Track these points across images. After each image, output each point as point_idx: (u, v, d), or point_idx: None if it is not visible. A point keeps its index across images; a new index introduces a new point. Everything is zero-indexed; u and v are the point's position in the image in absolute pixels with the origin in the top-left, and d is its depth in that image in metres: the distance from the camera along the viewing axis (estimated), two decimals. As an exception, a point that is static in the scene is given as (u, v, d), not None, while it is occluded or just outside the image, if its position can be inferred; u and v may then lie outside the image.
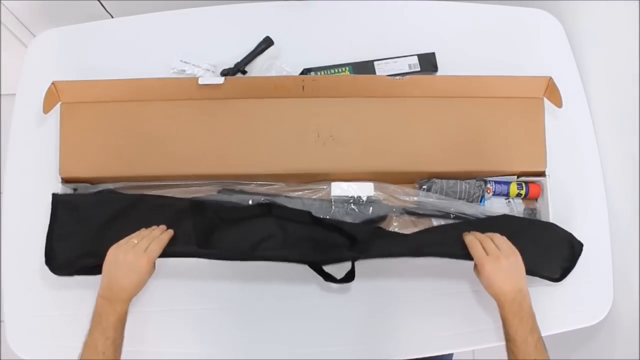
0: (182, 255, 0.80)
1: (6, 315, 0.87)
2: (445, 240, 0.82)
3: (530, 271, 0.79)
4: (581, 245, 0.86)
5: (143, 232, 0.77)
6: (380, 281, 0.90)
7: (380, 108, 0.90)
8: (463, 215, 0.89)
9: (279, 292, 0.89)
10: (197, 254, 0.80)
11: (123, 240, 0.75)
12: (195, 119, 0.88)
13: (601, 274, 0.93)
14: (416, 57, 0.99)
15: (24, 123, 0.96)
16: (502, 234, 0.78)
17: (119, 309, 0.71)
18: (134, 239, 0.75)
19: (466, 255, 0.76)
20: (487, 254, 0.73)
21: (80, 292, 0.87)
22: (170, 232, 0.79)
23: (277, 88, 0.88)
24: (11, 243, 0.90)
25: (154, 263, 0.75)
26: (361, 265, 0.90)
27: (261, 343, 0.87)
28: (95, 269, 0.75)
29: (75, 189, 0.89)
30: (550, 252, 0.85)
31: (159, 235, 0.77)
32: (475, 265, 0.76)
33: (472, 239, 0.76)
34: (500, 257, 0.72)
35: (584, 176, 0.98)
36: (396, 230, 0.90)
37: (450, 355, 1.00)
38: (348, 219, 0.88)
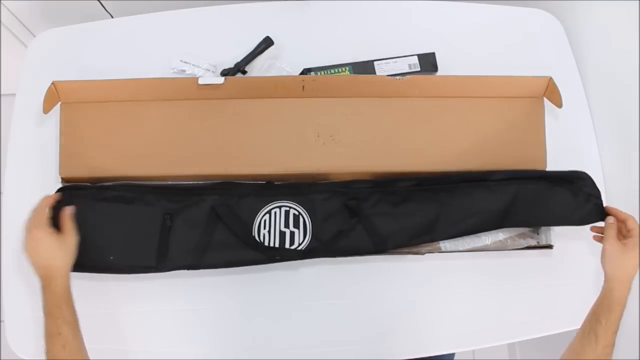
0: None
1: (6, 315, 0.87)
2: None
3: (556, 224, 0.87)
4: (587, 175, 0.86)
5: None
6: (380, 281, 0.90)
7: (380, 108, 0.90)
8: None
9: (277, 292, 0.89)
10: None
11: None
12: (195, 119, 0.88)
13: (601, 274, 0.92)
14: (416, 57, 1.00)
15: (24, 123, 0.95)
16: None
17: (54, 287, 0.71)
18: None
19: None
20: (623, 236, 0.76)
21: (80, 292, 0.87)
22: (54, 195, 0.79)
23: (277, 88, 0.88)
24: (11, 243, 0.90)
25: (61, 228, 0.75)
26: (361, 266, 0.90)
27: (260, 343, 0.87)
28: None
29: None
30: (562, 209, 0.85)
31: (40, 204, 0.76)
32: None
33: (612, 224, 0.78)
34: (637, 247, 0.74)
35: (584, 176, 0.98)
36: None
37: (452, 355, 1.00)
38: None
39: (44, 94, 0.84)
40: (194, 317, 0.88)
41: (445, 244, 0.88)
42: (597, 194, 0.84)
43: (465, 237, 0.88)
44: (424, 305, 0.89)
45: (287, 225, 0.85)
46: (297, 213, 0.85)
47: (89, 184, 0.86)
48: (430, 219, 0.84)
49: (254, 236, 0.83)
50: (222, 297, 0.89)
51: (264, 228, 0.84)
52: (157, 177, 0.88)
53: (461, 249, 0.88)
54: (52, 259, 0.72)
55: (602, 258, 0.77)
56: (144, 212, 0.83)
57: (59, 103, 0.87)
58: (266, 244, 0.83)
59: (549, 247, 0.89)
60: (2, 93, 1.50)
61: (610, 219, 0.79)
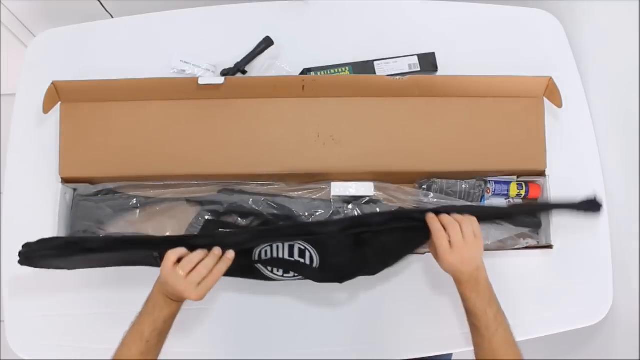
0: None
1: (6, 315, 0.87)
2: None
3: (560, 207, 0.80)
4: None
5: (197, 256, 0.68)
6: (380, 281, 0.90)
7: (380, 108, 0.90)
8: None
9: (275, 292, 0.89)
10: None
11: (185, 258, 0.68)
12: (195, 119, 0.88)
13: (601, 274, 0.93)
14: (416, 57, 0.99)
15: (24, 123, 0.96)
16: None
17: (174, 307, 0.71)
18: (188, 266, 0.67)
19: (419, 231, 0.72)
20: (450, 244, 0.69)
21: (80, 292, 0.87)
22: (229, 257, 0.70)
23: (277, 88, 0.88)
24: (11, 243, 0.90)
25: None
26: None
27: (260, 343, 0.87)
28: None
29: (75, 189, 0.89)
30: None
31: (213, 265, 0.68)
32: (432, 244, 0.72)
33: (438, 228, 0.70)
34: (464, 249, 0.69)
35: (584, 176, 0.98)
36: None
37: (449, 355, 1.00)
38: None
39: (44, 94, 0.84)
40: (193, 318, 0.88)
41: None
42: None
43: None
44: (424, 305, 0.89)
45: (291, 256, 0.77)
46: (302, 248, 0.76)
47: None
48: None
49: (256, 267, 0.77)
50: (221, 297, 0.89)
51: (265, 256, 0.77)
52: (157, 177, 0.88)
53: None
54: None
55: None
56: (132, 253, 0.74)
57: (59, 103, 0.87)
58: (268, 274, 0.78)
59: (549, 247, 0.89)
60: (2, 93, 1.50)
61: (435, 227, 0.71)
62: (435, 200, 0.89)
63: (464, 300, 0.73)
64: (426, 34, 1.04)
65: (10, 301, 0.88)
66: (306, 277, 0.79)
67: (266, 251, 0.76)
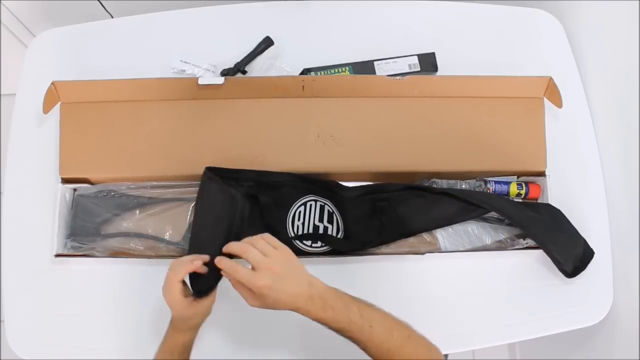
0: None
1: (6, 315, 0.87)
2: None
3: (556, 260, 0.85)
4: (592, 252, 0.88)
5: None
6: (380, 281, 0.90)
7: (380, 108, 0.90)
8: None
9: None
10: None
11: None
12: (195, 119, 0.88)
13: (601, 274, 0.93)
14: (416, 57, 0.99)
15: (24, 123, 0.95)
16: (542, 221, 0.84)
17: (178, 337, 0.69)
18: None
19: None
20: (253, 267, 0.61)
21: (81, 292, 0.87)
22: (197, 258, 0.67)
23: (277, 88, 0.88)
24: (11, 243, 0.90)
25: (210, 293, 0.68)
26: (360, 265, 0.90)
27: (259, 343, 0.87)
28: None
29: (75, 189, 0.89)
30: (573, 247, 0.87)
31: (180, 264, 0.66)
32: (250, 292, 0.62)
33: (230, 265, 0.62)
34: (272, 265, 0.60)
35: (584, 176, 0.98)
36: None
37: (445, 355, 1.00)
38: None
39: (44, 94, 0.84)
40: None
41: (445, 244, 0.88)
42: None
43: (465, 237, 0.88)
44: (424, 305, 0.89)
45: (321, 220, 0.85)
46: (331, 210, 0.86)
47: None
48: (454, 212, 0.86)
49: (286, 228, 0.83)
50: (221, 297, 0.89)
51: (299, 220, 0.84)
52: (156, 177, 0.88)
53: (461, 248, 0.88)
54: (182, 319, 0.69)
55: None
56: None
57: (59, 103, 0.87)
58: (299, 233, 0.83)
59: (549, 247, 0.89)
60: (2, 93, 1.50)
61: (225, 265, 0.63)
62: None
63: (328, 324, 0.62)
64: (426, 34, 1.04)
65: (10, 301, 0.88)
66: (332, 247, 0.84)
67: (300, 212, 0.85)
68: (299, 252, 0.83)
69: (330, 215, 0.86)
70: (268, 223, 0.83)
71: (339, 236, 0.85)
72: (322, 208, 0.86)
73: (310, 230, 0.84)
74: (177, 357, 0.70)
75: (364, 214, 0.86)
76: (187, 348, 0.72)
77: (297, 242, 0.84)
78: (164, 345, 0.70)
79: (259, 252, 0.61)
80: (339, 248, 0.84)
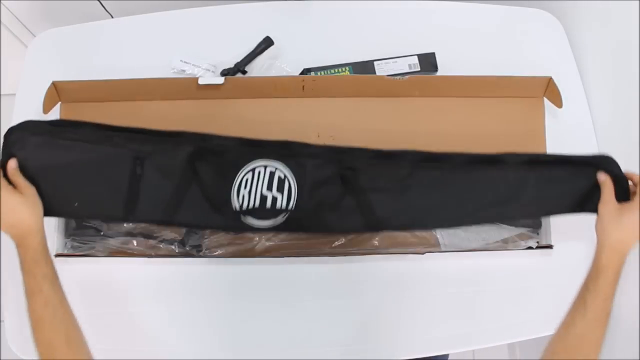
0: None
1: (6, 315, 0.87)
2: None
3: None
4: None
5: None
6: (379, 281, 0.90)
7: (380, 108, 0.90)
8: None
9: (273, 291, 0.89)
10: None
11: None
12: (195, 119, 0.88)
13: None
14: (416, 57, 0.99)
15: (24, 123, 0.95)
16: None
17: (30, 243, 0.68)
18: None
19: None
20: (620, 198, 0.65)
21: (81, 292, 0.87)
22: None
23: (277, 88, 0.88)
24: (11, 243, 0.90)
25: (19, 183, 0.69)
26: (360, 265, 0.90)
27: (258, 343, 0.87)
28: None
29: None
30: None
31: None
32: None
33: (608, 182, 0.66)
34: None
35: (584, 176, 0.98)
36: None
37: (446, 355, 1.00)
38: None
39: (44, 94, 0.84)
40: (191, 318, 0.88)
41: (445, 244, 0.88)
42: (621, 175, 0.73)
43: (465, 237, 0.88)
44: (424, 305, 0.89)
45: (269, 188, 0.75)
46: (282, 176, 0.75)
47: (46, 121, 0.75)
48: (436, 203, 0.77)
49: (230, 198, 0.75)
50: (220, 297, 0.89)
51: (244, 188, 0.75)
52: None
53: (461, 248, 0.88)
54: (18, 215, 0.68)
55: (595, 223, 0.68)
56: (111, 155, 0.73)
57: (59, 103, 0.87)
58: (244, 206, 0.74)
59: (549, 247, 0.89)
60: (2, 93, 1.50)
61: (602, 176, 0.69)
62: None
63: (601, 278, 0.68)
64: (426, 34, 1.04)
65: (10, 301, 0.88)
66: (276, 224, 0.76)
67: (247, 180, 0.75)
68: (246, 229, 0.77)
69: (281, 182, 0.75)
70: (208, 195, 0.75)
71: (289, 207, 0.75)
72: (271, 175, 0.75)
73: (257, 202, 0.75)
74: (49, 290, 0.67)
75: (325, 179, 0.76)
76: (46, 250, 0.69)
77: (244, 217, 0.76)
78: (24, 264, 0.68)
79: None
80: (282, 229, 0.76)
